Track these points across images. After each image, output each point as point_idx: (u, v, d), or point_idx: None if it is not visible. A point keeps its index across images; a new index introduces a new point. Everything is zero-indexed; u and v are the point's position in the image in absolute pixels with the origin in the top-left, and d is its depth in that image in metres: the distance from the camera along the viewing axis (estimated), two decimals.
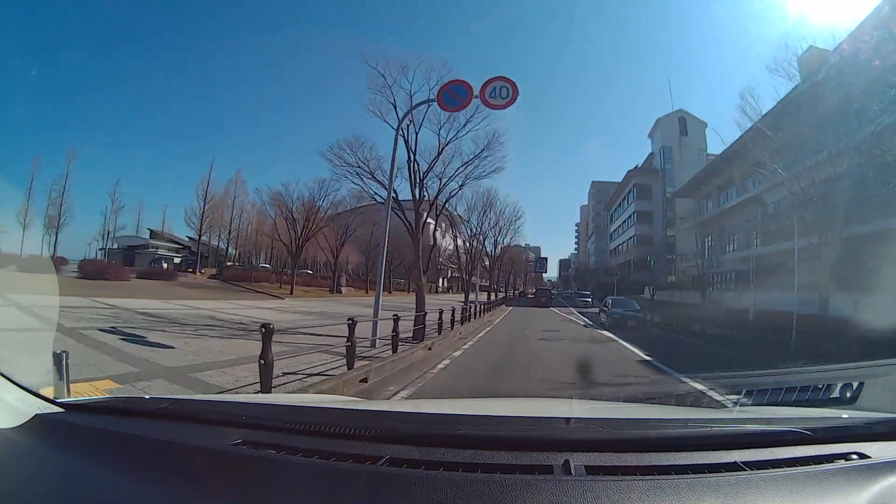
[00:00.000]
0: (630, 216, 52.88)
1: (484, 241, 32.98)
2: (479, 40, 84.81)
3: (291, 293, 31.84)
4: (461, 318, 15.87)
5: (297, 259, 35.95)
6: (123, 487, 1.08)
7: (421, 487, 1.01)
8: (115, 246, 52.93)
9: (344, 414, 1.67)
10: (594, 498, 0.97)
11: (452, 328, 13.35)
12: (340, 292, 38.03)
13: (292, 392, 5.01)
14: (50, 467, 1.17)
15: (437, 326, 12.08)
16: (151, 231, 54.70)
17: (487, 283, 41.33)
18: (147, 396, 1.81)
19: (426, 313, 11.39)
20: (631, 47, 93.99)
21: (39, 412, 1.39)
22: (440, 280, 69.25)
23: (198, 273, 38.02)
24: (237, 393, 5.00)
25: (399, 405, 3.68)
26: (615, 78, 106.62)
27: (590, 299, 41.17)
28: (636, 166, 54.51)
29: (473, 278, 33.55)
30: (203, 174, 43.48)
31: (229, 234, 46.03)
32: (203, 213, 39.40)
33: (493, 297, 34.52)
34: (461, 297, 31.04)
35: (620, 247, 57.68)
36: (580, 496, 0.97)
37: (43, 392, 1.51)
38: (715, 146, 47.33)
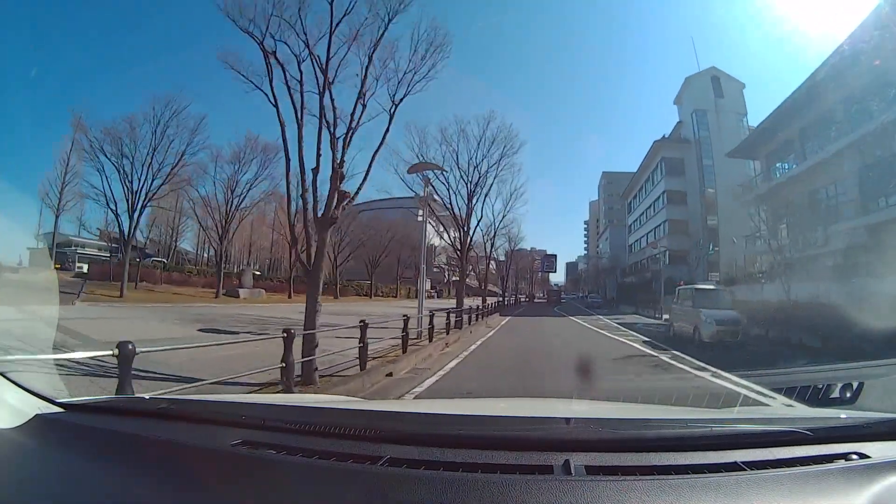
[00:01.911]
0: (658, 198, 44.97)
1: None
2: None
3: (121, 295, 20.06)
4: None
5: (131, 236, 23.56)
6: (123, 488, 1.13)
7: (421, 487, 1.05)
8: (40, 245, 44.74)
9: (344, 414, 1.73)
10: (594, 498, 1.01)
11: None
12: (237, 296, 25.73)
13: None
14: (50, 467, 1.23)
15: None
16: (101, 231, 47.12)
17: (481, 287, 27.49)
18: (147, 396, 1.85)
19: None
20: (637, 20, 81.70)
21: (39, 412, 1.45)
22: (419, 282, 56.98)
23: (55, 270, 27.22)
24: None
25: (399, 405, 3.62)
26: (620, 53, 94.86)
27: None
28: (663, 136, 42.98)
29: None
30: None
31: (173, 228, 34.86)
32: (63, 184, 27.34)
33: (464, 304, 18.23)
34: (451, 302, 15.92)
35: (644, 238, 46.70)
36: (580, 496, 1.01)
37: (43, 392, 1.56)
38: (755, 113, 36.21)
